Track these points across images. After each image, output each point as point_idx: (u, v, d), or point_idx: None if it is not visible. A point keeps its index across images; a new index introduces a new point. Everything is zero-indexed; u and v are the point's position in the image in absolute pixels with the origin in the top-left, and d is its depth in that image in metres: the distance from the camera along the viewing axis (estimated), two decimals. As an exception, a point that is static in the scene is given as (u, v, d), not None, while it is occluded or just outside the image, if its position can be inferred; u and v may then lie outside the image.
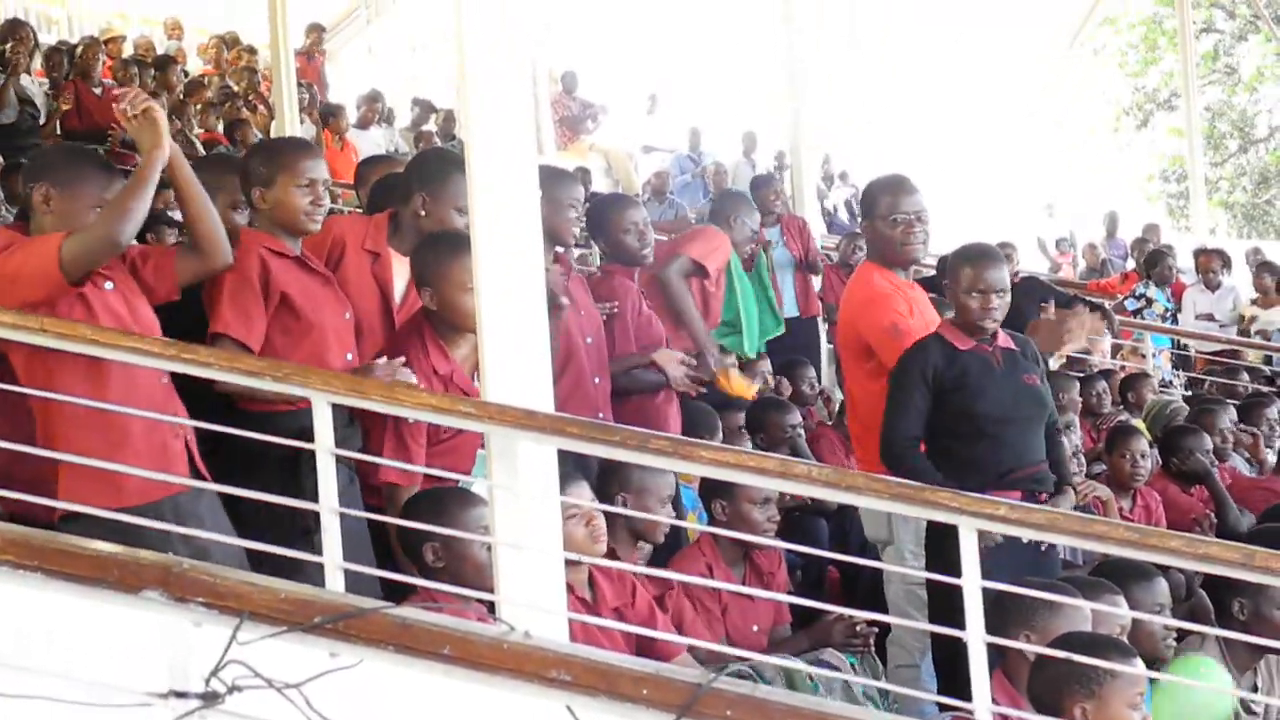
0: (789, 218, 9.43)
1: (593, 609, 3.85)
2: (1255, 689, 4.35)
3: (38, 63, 11.90)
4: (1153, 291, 11.64)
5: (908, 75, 22.50)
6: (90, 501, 3.39)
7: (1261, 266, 12.13)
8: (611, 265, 5.37)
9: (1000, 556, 3.34)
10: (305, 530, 3.52)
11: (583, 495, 3.91)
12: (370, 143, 12.39)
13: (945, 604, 3.54)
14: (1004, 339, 4.53)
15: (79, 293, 3.48)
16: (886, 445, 4.39)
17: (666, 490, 4.33)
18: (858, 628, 4.19)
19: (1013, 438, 4.42)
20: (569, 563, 3.59)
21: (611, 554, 4.03)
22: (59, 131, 10.83)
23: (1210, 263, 11.87)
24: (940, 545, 3.78)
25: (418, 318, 4.08)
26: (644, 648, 3.77)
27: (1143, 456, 6.01)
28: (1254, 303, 11.58)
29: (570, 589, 3.76)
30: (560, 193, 4.53)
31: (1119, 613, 3.79)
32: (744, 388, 5.74)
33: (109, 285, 3.56)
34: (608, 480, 4.26)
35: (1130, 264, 13.50)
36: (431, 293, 3.98)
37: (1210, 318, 11.59)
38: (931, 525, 4.04)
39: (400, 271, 4.18)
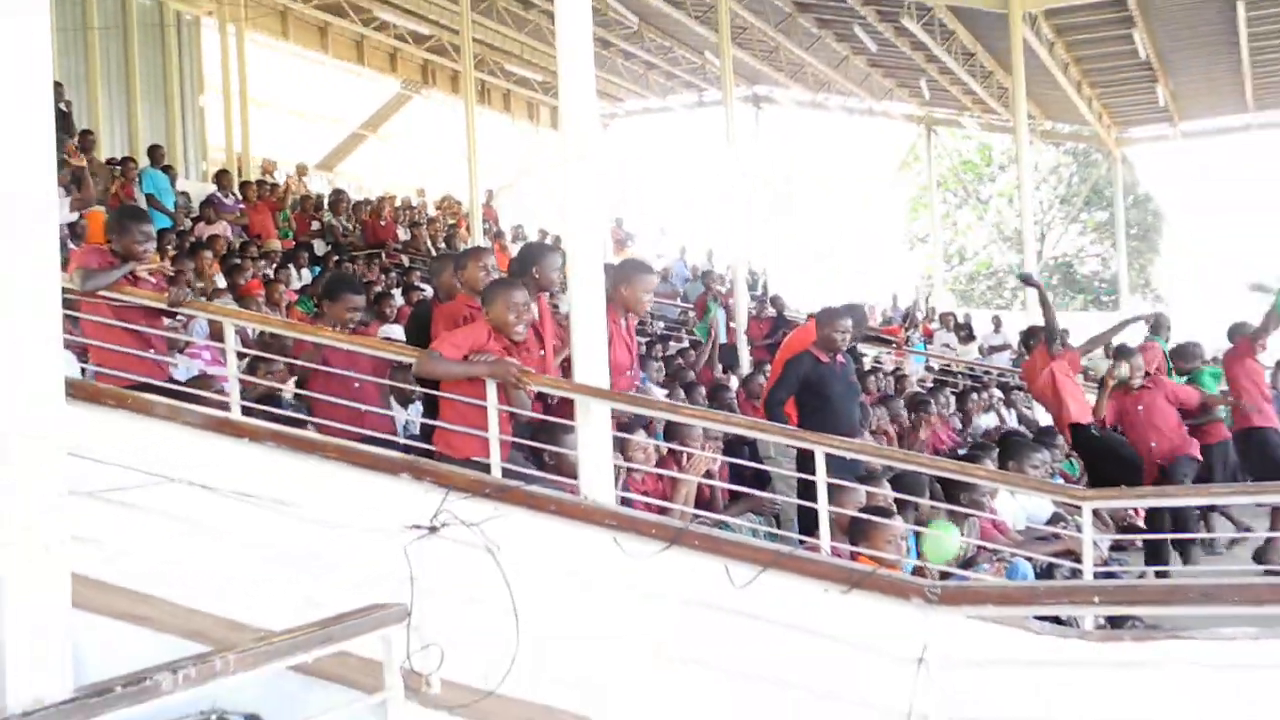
0: (725, 295, 16.56)
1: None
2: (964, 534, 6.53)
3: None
4: (910, 333, 20.62)
5: (800, 211, 44.26)
6: (467, 452, 5.47)
7: (956, 326, 22.07)
8: None
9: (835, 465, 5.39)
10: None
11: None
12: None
13: (805, 491, 5.63)
14: (840, 356, 7.02)
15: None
16: (768, 402, 6.93)
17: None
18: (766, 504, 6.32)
19: (843, 410, 6.90)
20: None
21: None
22: (363, 246, 17.73)
23: (947, 318, 22.82)
24: (805, 460, 5.93)
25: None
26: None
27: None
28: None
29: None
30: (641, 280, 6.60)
31: (881, 492, 5.93)
32: None
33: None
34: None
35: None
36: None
37: (948, 346, 21.09)
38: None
39: (535, 310, 6.25)
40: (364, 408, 5.83)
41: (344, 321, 6.10)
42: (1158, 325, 12.83)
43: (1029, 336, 10.56)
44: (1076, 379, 9.32)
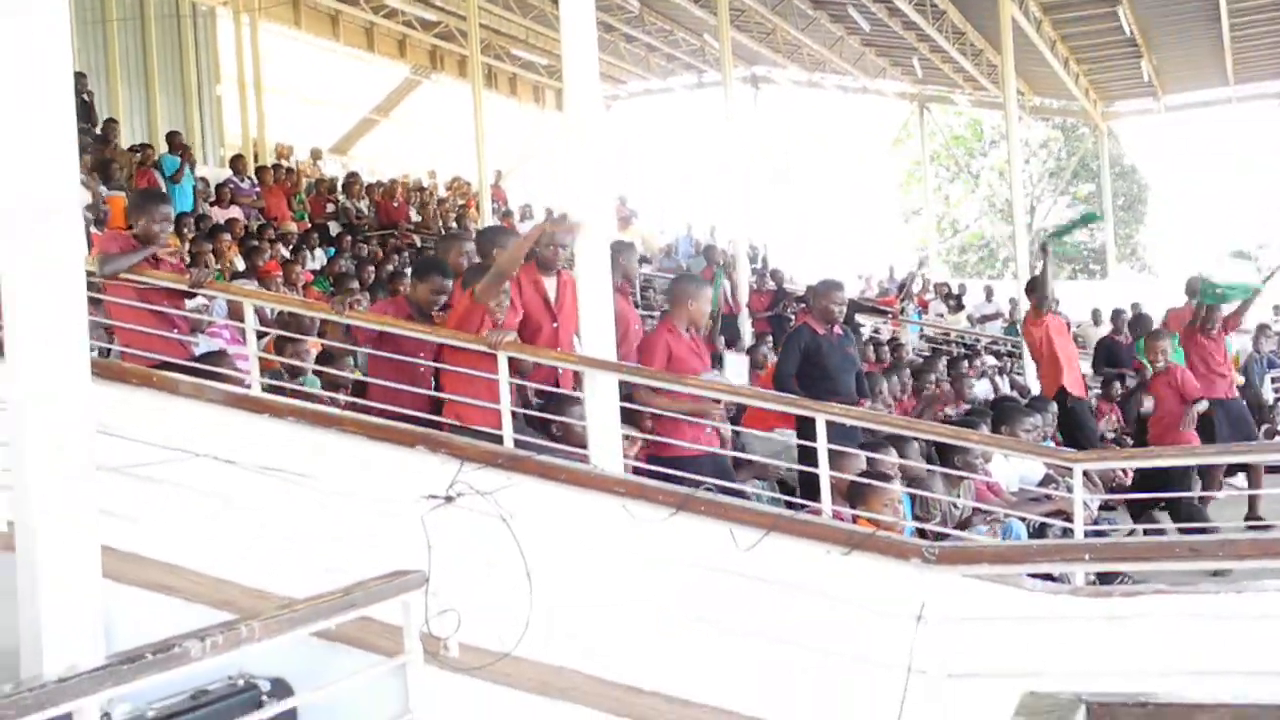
0: (731, 269, 15.88)
1: None
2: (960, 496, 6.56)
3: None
4: (905, 303, 20.06)
5: (798, 188, 44.19)
6: (477, 422, 5.55)
7: (946, 295, 22.21)
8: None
9: (835, 432, 5.42)
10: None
11: None
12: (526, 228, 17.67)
13: (806, 458, 5.69)
14: (838, 328, 6.90)
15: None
16: (776, 377, 6.90)
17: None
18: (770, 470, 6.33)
19: (841, 380, 6.89)
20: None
21: None
22: (376, 227, 17.80)
23: (940, 288, 22.84)
24: (806, 427, 5.93)
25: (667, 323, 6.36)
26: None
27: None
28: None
29: None
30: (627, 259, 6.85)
31: (886, 459, 5.90)
32: None
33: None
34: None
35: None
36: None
37: (941, 315, 21.25)
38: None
39: (549, 285, 6.38)
40: (427, 392, 5.79)
41: (428, 303, 6.03)
42: (1191, 289, 12.81)
43: (1030, 288, 10.60)
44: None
